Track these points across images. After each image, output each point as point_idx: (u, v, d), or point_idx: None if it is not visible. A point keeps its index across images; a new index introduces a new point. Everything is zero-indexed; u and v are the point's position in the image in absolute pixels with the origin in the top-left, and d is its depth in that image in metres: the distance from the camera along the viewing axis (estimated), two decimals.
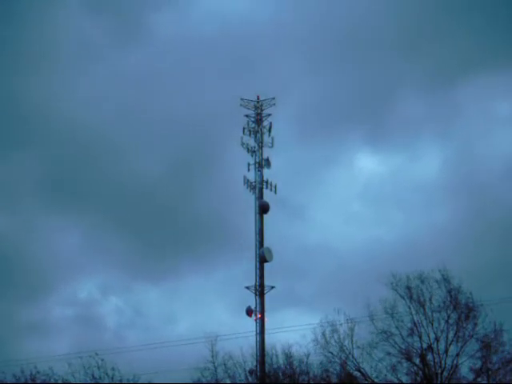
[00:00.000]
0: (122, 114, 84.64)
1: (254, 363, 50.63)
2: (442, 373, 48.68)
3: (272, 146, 54.47)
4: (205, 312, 72.73)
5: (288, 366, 50.82)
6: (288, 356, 50.94)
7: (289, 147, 52.57)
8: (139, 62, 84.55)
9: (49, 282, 79.07)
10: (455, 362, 48.75)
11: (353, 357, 50.18)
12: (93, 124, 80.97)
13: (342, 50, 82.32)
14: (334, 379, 50.57)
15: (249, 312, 51.83)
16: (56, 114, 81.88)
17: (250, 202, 53.19)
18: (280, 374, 50.89)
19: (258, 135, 54.64)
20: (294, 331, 52.03)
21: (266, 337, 51.19)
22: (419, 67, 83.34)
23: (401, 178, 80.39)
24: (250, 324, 51.12)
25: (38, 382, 51.98)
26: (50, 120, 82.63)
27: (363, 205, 78.75)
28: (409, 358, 49.36)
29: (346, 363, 50.27)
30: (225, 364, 50.64)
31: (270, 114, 54.78)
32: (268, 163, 54.29)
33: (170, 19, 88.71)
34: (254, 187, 53.90)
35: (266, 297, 51.63)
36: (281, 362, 51.16)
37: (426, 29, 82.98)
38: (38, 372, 52.45)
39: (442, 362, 48.71)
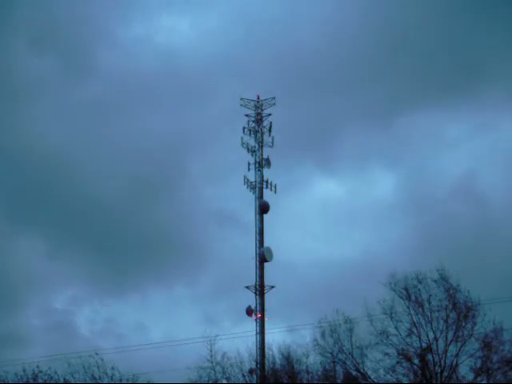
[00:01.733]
0: (85, 138, 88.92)
1: (252, 363, 50.65)
2: (441, 372, 48.39)
3: (272, 146, 54.52)
4: (174, 321, 75.60)
5: (287, 366, 50.78)
6: (286, 356, 50.91)
7: None
8: (101, 91, 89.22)
9: (18, 296, 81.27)
10: (455, 361, 48.48)
11: (352, 357, 50.06)
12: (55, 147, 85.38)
13: (293, 83, 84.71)
14: (333, 379, 50.49)
15: (249, 312, 51.87)
16: (18, 141, 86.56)
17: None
18: (279, 374, 50.86)
19: (258, 135, 54.66)
20: (291, 332, 52.26)
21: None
22: (369, 97, 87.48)
23: (356, 200, 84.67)
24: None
25: (40, 381, 52.27)
26: (14, 146, 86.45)
27: (323, 224, 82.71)
28: (408, 358, 49.13)
29: (345, 363, 50.18)
30: (221, 364, 50.68)
31: (270, 114, 54.80)
32: (268, 163, 54.27)
33: (115, 56, 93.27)
34: (254, 187, 53.91)
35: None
36: (280, 362, 51.16)
37: (376, 63, 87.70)
38: (41, 371, 52.83)
39: (442, 361, 48.42)
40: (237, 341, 51.26)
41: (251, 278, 52.58)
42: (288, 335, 53.50)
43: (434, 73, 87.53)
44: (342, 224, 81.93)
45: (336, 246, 78.69)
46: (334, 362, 50.54)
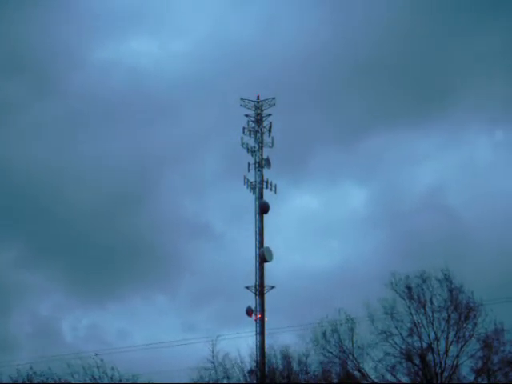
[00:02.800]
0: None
1: (252, 364, 50.44)
2: (442, 373, 48.58)
3: (272, 146, 54.40)
4: (162, 327, 74.55)
5: (287, 366, 50.65)
6: (286, 356, 50.78)
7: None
8: (76, 109, 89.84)
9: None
10: (455, 362, 48.69)
11: (353, 356, 50.09)
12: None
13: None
14: (333, 379, 50.46)
15: (248, 312, 51.60)
16: None
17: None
18: (279, 374, 50.70)
19: (258, 135, 54.56)
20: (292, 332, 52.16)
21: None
22: (342, 113, 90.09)
23: (332, 213, 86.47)
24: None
25: (35, 382, 51.65)
26: None
27: (302, 236, 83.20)
28: (409, 358, 49.27)
29: (346, 363, 50.16)
30: (222, 365, 50.38)
31: (270, 114, 54.71)
32: (268, 163, 54.17)
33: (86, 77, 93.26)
34: (254, 187, 53.77)
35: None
36: (279, 362, 51.01)
37: (349, 81, 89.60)
38: (35, 373, 52.17)
39: (442, 362, 48.62)
40: (237, 341, 51.18)
41: (249, 280, 52.54)
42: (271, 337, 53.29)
43: (404, 90, 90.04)
44: (318, 236, 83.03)
45: (314, 257, 79.81)
46: (333, 361, 50.62)
